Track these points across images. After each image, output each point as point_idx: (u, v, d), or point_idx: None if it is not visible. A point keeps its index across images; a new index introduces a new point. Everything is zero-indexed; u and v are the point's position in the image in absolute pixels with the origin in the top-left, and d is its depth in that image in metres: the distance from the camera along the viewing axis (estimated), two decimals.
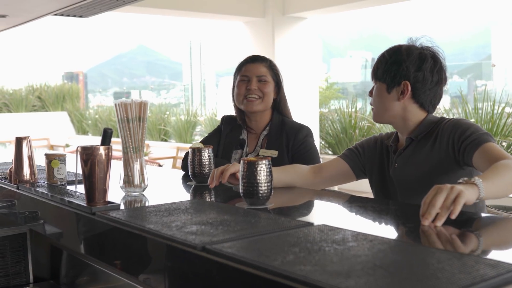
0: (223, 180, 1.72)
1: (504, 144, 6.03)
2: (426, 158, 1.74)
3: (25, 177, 1.94)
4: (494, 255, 1.09)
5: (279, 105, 2.36)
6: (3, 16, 2.74)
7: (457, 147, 1.66)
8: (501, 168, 1.41)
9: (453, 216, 1.20)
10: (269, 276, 0.88)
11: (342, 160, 1.96)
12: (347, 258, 0.92)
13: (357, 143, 2.00)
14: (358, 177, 1.97)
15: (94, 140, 11.88)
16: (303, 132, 2.28)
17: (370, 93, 1.86)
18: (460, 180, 1.31)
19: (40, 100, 14.68)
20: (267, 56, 2.43)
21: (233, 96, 2.36)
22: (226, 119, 2.47)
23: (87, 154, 1.44)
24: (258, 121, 2.34)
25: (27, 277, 1.94)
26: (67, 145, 10.63)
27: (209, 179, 1.75)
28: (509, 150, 6.02)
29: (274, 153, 2.23)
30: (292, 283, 0.84)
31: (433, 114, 1.84)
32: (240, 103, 2.31)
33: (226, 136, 2.36)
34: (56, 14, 2.76)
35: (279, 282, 0.86)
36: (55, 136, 12.26)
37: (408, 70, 1.74)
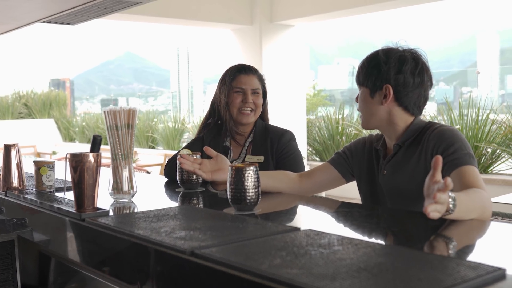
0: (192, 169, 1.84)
1: (489, 150, 6.10)
2: (415, 167, 1.72)
3: (14, 184, 1.94)
4: (475, 257, 1.13)
5: (263, 113, 2.40)
6: None
7: None
8: (472, 194, 1.44)
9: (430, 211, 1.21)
10: (257, 280, 0.90)
11: (330, 165, 1.97)
12: (332, 262, 0.95)
13: (346, 146, 1.99)
14: (348, 180, 1.97)
15: (81, 147, 11.82)
16: (286, 136, 2.31)
17: (357, 99, 1.85)
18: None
19: (27, 107, 14.60)
20: (255, 64, 2.45)
21: (221, 103, 2.34)
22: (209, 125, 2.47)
23: (76, 161, 1.45)
24: (245, 131, 2.37)
25: (15, 284, 1.94)
26: (54, 153, 10.56)
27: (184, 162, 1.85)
28: (493, 156, 6.10)
29: (260, 159, 2.26)
30: (278, 286, 0.86)
31: (421, 118, 1.82)
32: (234, 114, 2.31)
33: (210, 143, 2.36)
34: (44, 22, 2.77)
35: (266, 285, 0.88)
36: (42, 144, 12.17)
37: (388, 73, 1.73)
